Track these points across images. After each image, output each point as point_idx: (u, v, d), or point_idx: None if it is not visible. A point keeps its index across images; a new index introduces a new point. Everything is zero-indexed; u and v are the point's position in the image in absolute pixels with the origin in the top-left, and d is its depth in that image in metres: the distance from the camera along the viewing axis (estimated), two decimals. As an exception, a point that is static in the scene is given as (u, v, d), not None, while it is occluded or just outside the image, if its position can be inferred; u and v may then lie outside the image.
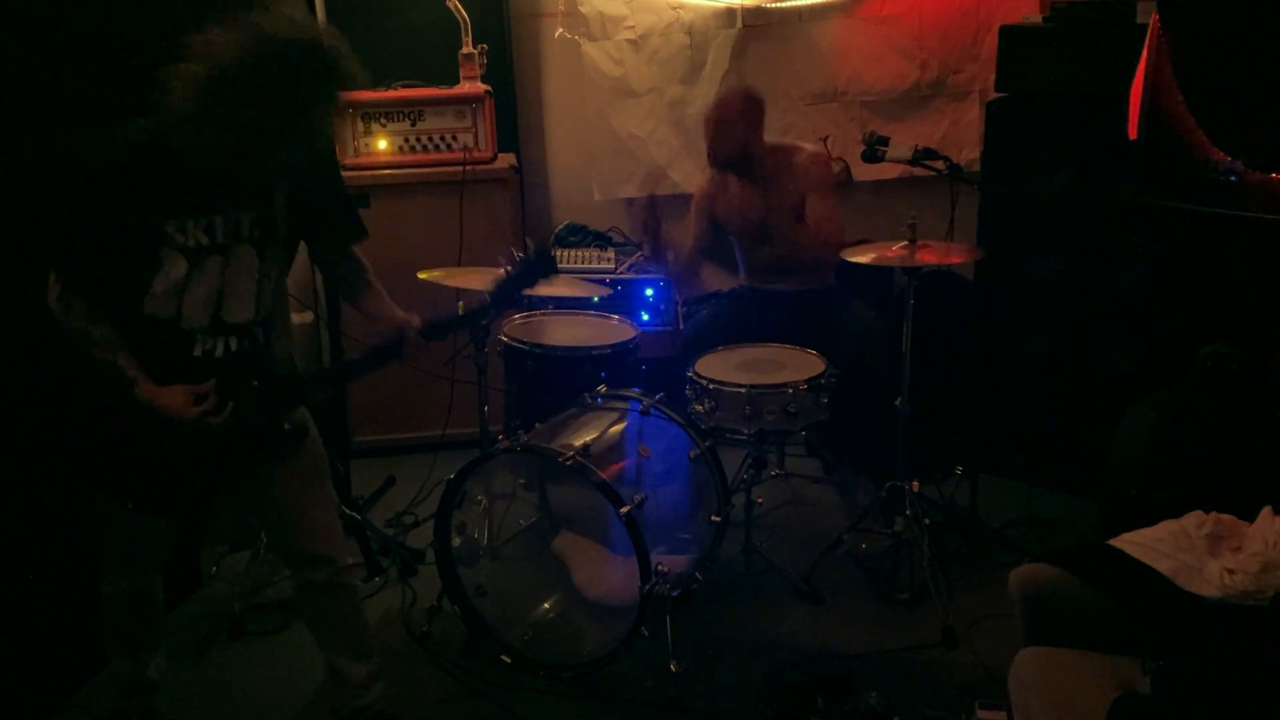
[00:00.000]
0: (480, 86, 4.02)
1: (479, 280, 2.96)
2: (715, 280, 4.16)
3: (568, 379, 3.15)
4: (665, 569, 2.66)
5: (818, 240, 3.45)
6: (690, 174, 4.35)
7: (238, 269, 2.17)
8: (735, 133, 3.49)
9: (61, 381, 2.29)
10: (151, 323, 2.12)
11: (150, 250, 2.08)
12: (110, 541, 2.39)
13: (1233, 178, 2.71)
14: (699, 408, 3.02)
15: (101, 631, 2.51)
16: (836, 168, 3.97)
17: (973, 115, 4.12)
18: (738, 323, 3.58)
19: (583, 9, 4.25)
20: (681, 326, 3.96)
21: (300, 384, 2.35)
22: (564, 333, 3.33)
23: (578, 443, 2.72)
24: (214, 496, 2.30)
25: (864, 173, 3.65)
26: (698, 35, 4.23)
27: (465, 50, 4.03)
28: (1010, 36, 3.51)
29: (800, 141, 3.75)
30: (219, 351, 2.18)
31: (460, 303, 2.30)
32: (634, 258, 4.10)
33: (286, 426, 2.27)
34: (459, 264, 3.86)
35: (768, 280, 3.73)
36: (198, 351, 2.17)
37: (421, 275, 2.97)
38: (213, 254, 2.13)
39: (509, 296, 2.33)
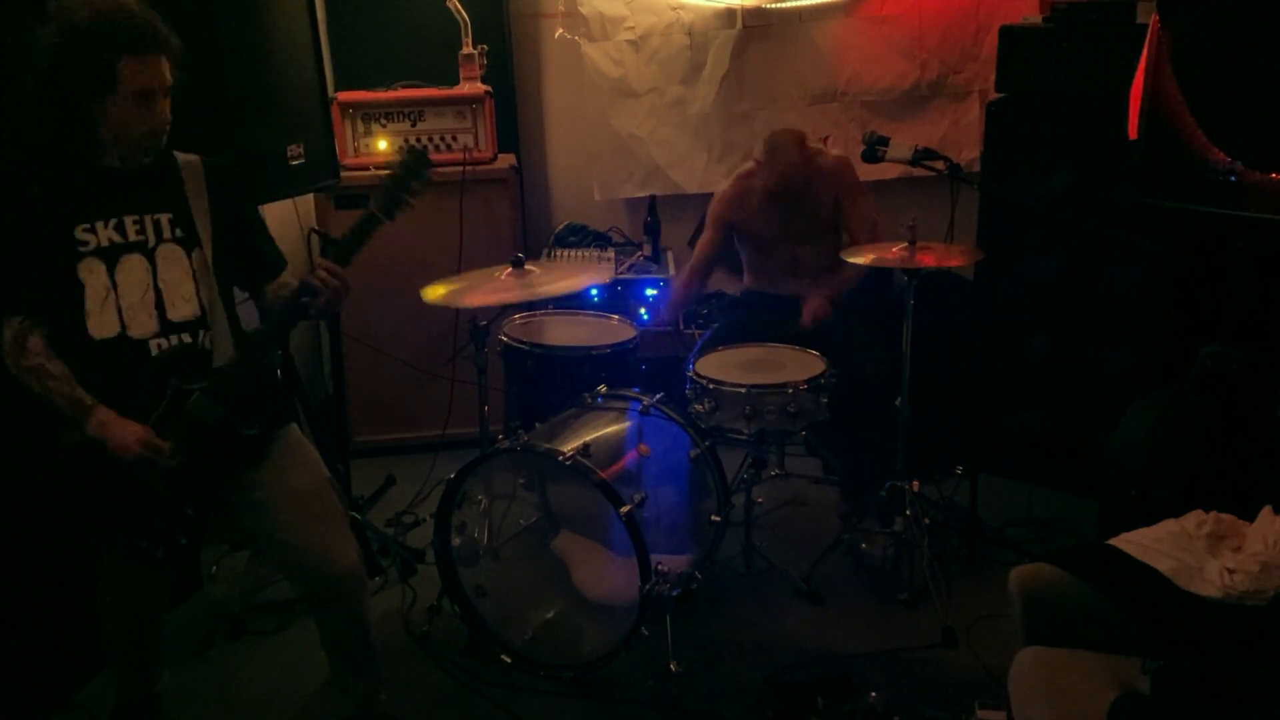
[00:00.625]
0: (480, 87, 4.02)
1: (481, 297, 2.95)
2: (716, 281, 4.16)
3: (568, 379, 3.15)
4: (665, 569, 2.66)
5: (871, 238, 3.41)
6: (690, 174, 4.35)
7: (169, 268, 2.17)
8: (798, 170, 3.45)
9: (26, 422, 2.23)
10: (104, 348, 2.11)
11: (67, 263, 2.08)
12: (104, 588, 2.38)
13: (1233, 178, 2.71)
14: (699, 408, 3.02)
15: (103, 653, 2.51)
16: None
17: (973, 115, 4.12)
18: (743, 331, 3.56)
19: (583, 9, 4.25)
20: (682, 326, 3.95)
21: (244, 377, 2.23)
22: (564, 333, 3.33)
23: (578, 443, 2.72)
24: (207, 533, 2.25)
25: (864, 173, 3.64)
26: (698, 35, 4.23)
27: (465, 50, 4.03)
28: (1010, 36, 3.51)
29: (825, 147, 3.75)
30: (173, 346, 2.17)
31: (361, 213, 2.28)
32: (634, 258, 4.10)
33: (253, 431, 2.24)
34: (459, 264, 3.86)
35: (775, 284, 3.71)
36: (155, 353, 2.16)
37: (428, 298, 2.95)
38: (130, 252, 2.13)
39: (397, 200, 2.28)
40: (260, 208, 3.11)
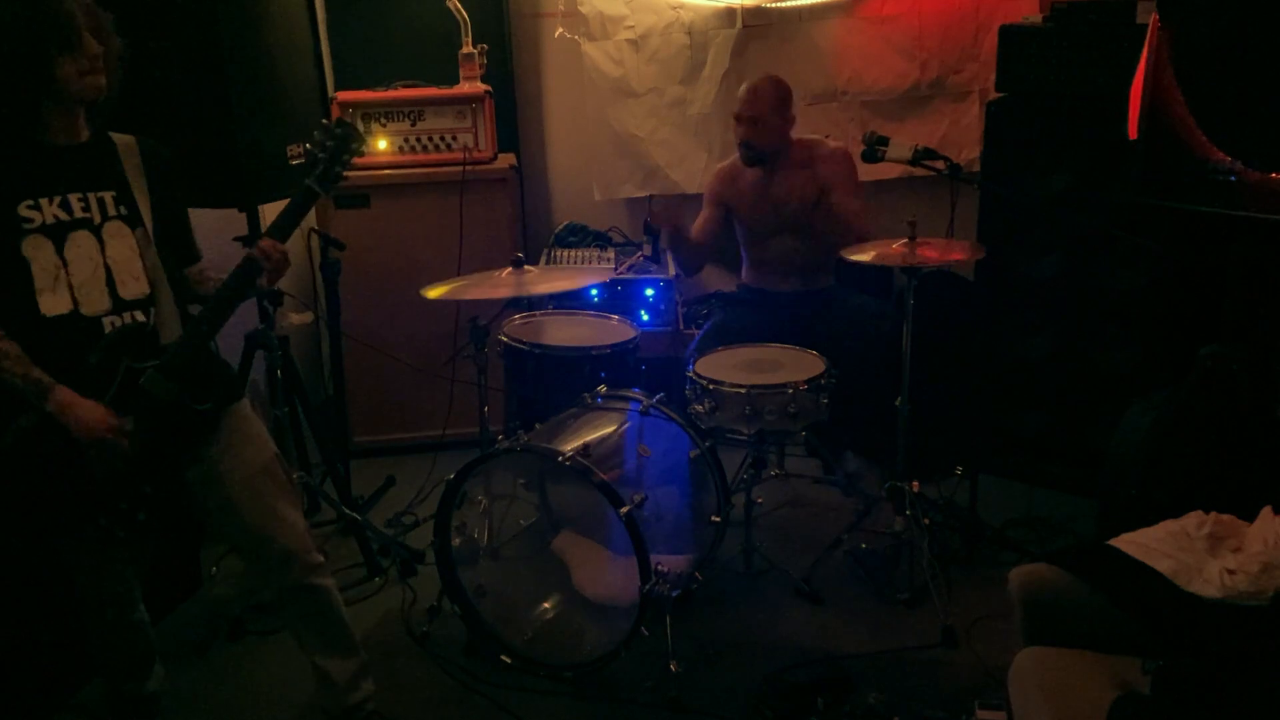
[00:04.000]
0: (480, 86, 4.02)
1: (481, 290, 2.96)
2: (715, 280, 4.16)
3: (568, 379, 3.14)
4: (665, 569, 2.66)
5: (847, 234, 3.40)
6: (690, 174, 4.35)
7: (117, 245, 2.17)
8: (772, 124, 3.50)
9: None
10: (56, 325, 2.10)
11: (10, 240, 2.06)
12: (81, 583, 2.38)
13: (1232, 178, 2.71)
14: (699, 408, 3.02)
15: (93, 659, 2.51)
16: None
17: (973, 115, 4.12)
18: (741, 328, 3.58)
19: (583, 9, 4.25)
20: (682, 326, 3.96)
21: (194, 354, 2.23)
22: (564, 333, 3.33)
23: (578, 443, 2.72)
24: (164, 511, 2.25)
25: (864, 173, 3.64)
26: (698, 35, 4.23)
27: (465, 50, 4.04)
28: (1010, 36, 3.51)
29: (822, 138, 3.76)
30: (126, 324, 2.17)
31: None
32: (634, 258, 4.10)
33: (208, 406, 2.25)
34: (459, 264, 3.87)
35: (769, 280, 3.74)
36: (109, 330, 2.16)
37: (429, 295, 2.95)
38: (77, 229, 2.12)
39: (332, 174, 2.27)
40: (259, 207, 3.17)
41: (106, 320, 2.15)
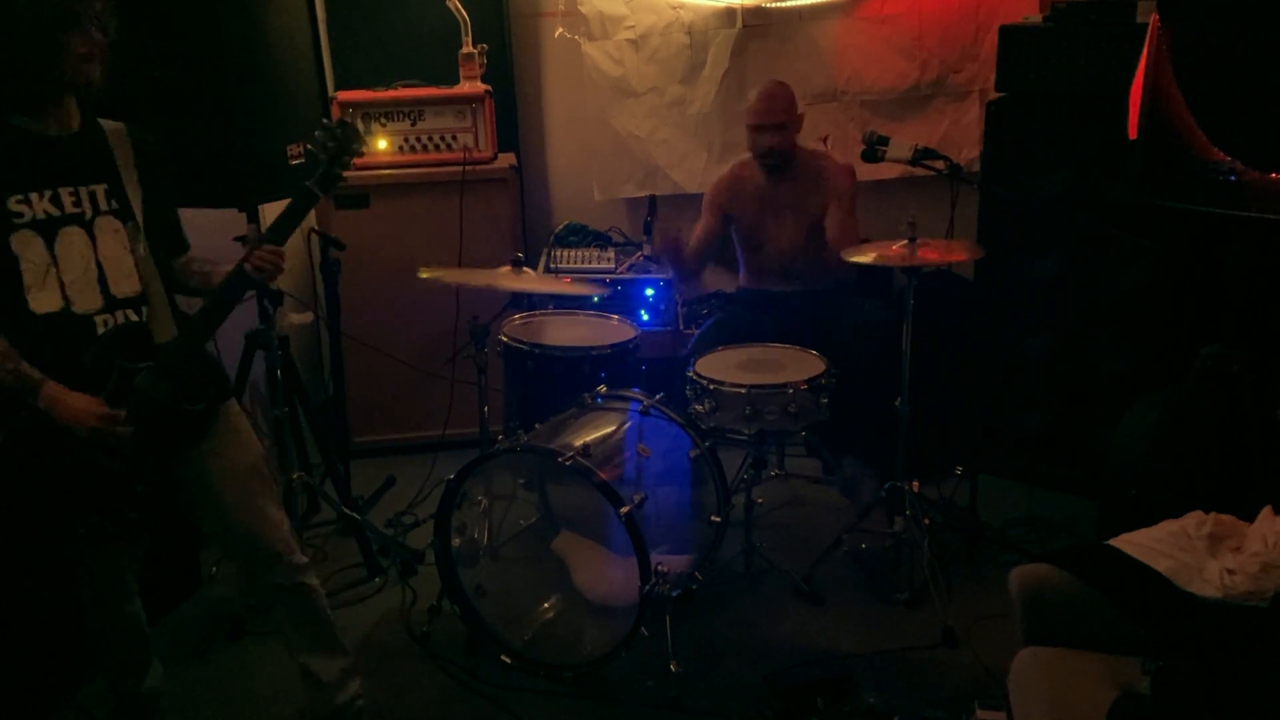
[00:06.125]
0: (480, 86, 4.02)
1: (482, 279, 2.97)
2: (715, 280, 4.16)
3: (568, 379, 3.14)
4: (665, 569, 2.66)
5: (832, 254, 3.39)
6: (690, 174, 4.35)
7: (108, 242, 2.16)
8: (794, 126, 3.52)
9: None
10: (47, 323, 2.09)
11: (0, 236, 2.05)
12: (76, 578, 2.38)
13: (1233, 178, 2.71)
14: (699, 408, 3.02)
15: (91, 656, 2.51)
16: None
17: (973, 115, 4.12)
18: (741, 325, 3.58)
19: (583, 9, 4.25)
20: (682, 326, 3.96)
21: (188, 354, 2.24)
22: (564, 333, 3.33)
23: (578, 443, 2.72)
24: (157, 509, 2.27)
25: (864, 173, 3.64)
26: (698, 35, 4.23)
27: (465, 50, 4.03)
28: (1010, 36, 3.50)
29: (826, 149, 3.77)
30: (119, 324, 2.17)
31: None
32: (634, 258, 4.10)
33: (200, 406, 2.25)
34: (459, 264, 3.87)
35: (767, 281, 3.74)
36: (101, 332, 2.15)
37: (423, 274, 2.97)
38: (68, 224, 2.11)
39: (331, 176, 2.28)
40: (259, 207, 3.16)
41: (99, 319, 2.14)
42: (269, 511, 2.37)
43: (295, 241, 3.94)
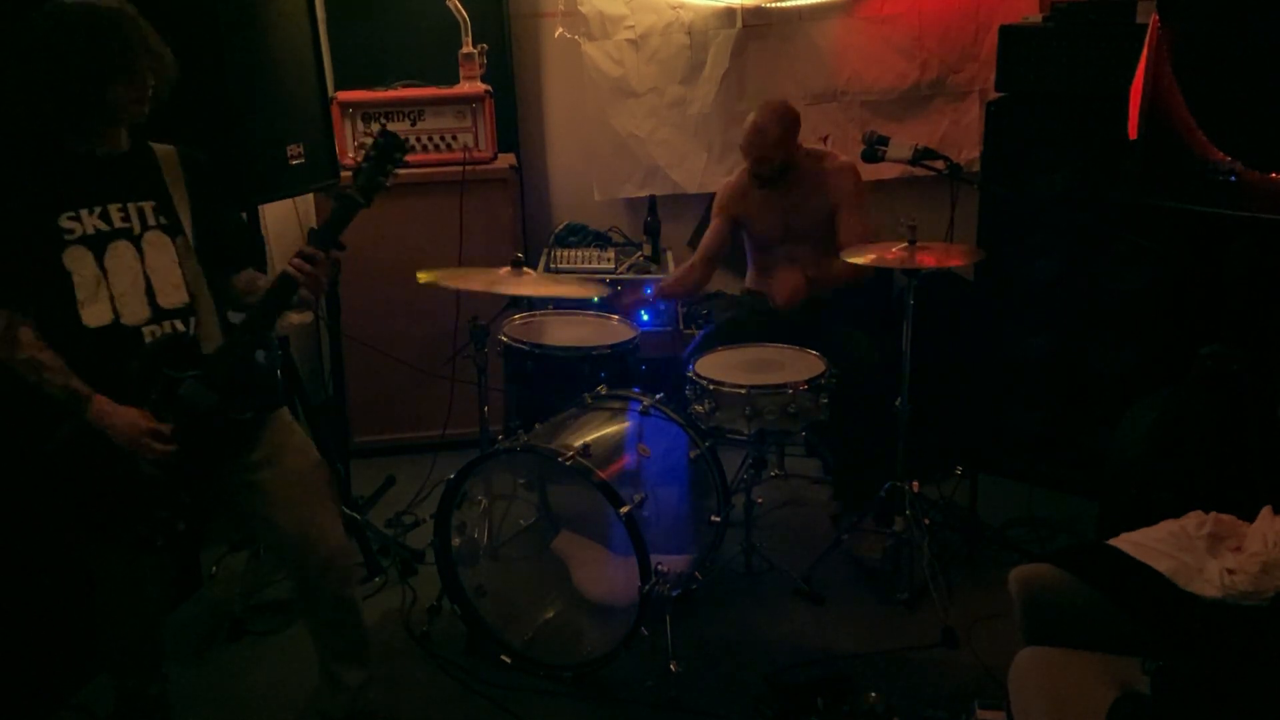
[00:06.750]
0: (480, 86, 4.02)
1: (480, 281, 2.97)
2: (716, 281, 4.16)
3: (568, 379, 3.14)
4: (665, 569, 2.66)
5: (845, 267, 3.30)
6: (690, 174, 4.35)
7: (156, 255, 2.18)
8: (777, 154, 3.44)
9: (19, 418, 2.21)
10: (97, 336, 2.11)
11: (52, 252, 2.08)
12: (106, 590, 2.38)
13: (1233, 178, 2.71)
14: (699, 408, 3.02)
15: (102, 660, 2.51)
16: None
17: (973, 115, 4.12)
18: (743, 325, 3.57)
19: (583, 9, 4.25)
20: (682, 326, 3.95)
21: (234, 363, 2.23)
22: (564, 333, 3.33)
23: (578, 443, 2.72)
24: (206, 519, 2.27)
25: (864, 173, 3.64)
26: (698, 35, 4.23)
27: (465, 50, 4.03)
28: (1010, 36, 3.51)
29: (827, 148, 3.74)
30: (165, 334, 2.18)
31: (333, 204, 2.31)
32: (634, 258, 4.10)
33: (248, 415, 2.26)
34: (459, 264, 3.86)
35: (775, 286, 3.71)
36: (148, 342, 2.16)
37: (421, 278, 2.97)
38: (117, 239, 2.13)
39: (375, 184, 2.28)
40: (260, 208, 3.16)
41: (146, 330, 2.16)
42: (322, 519, 2.36)
43: (296, 241, 3.95)
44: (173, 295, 2.19)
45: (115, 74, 2.05)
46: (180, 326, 2.19)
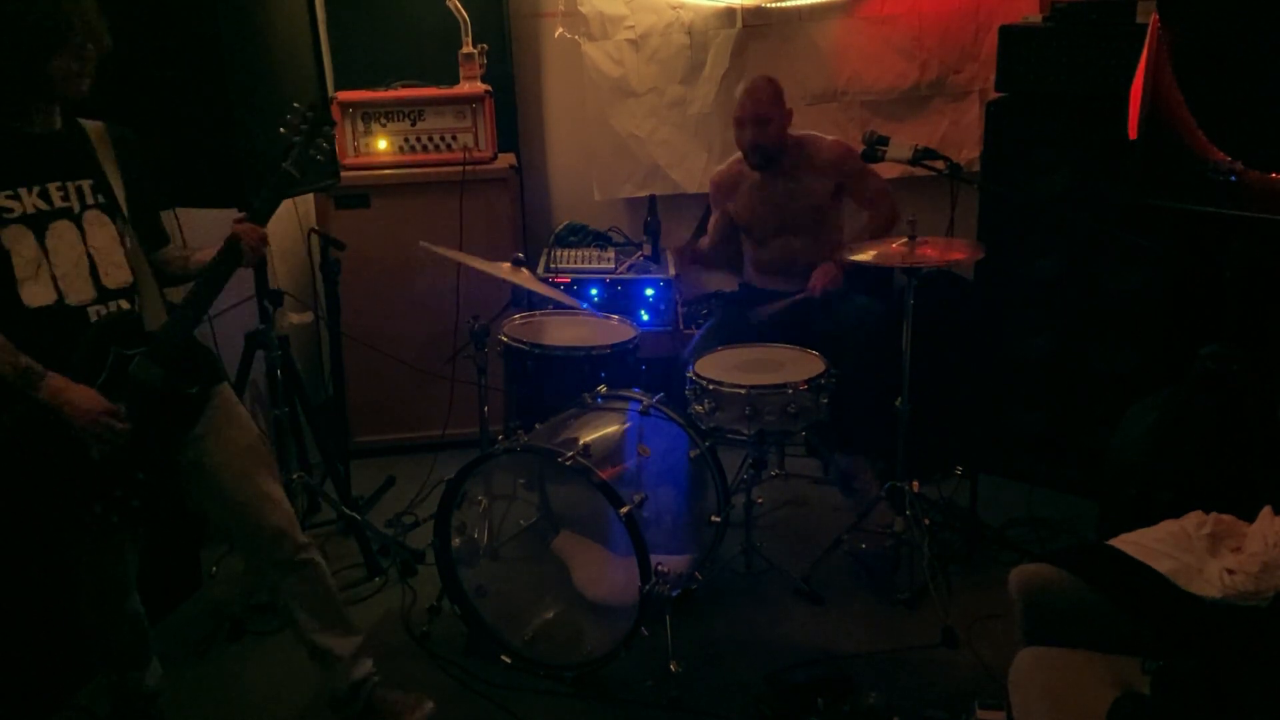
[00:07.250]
0: (480, 86, 4.02)
1: (479, 263, 2.98)
2: (715, 280, 4.16)
3: (568, 379, 3.14)
4: (665, 569, 2.66)
5: (884, 207, 3.61)
6: (690, 174, 4.35)
7: (97, 234, 2.18)
8: (777, 121, 3.51)
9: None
10: (40, 316, 2.11)
11: None
12: (77, 572, 2.39)
13: (1233, 178, 2.71)
14: (699, 408, 3.02)
15: (90, 652, 2.51)
16: None
17: (973, 115, 4.12)
18: (740, 323, 3.58)
19: (583, 9, 4.25)
20: (682, 326, 3.95)
21: (179, 339, 2.26)
22: (564, 333, 3.33)
23: (578, 443, 2.72)
24: (158, 497, 2.28)
25: (864, 172, 3.66)
26: (698, 35, 4.23)
27: (465, 50, 4.03)
28: (1010, 36, 3.50)
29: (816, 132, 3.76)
30: (112, 313, 2.19)
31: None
32: (634, 258, 4.10)
33: (194, 389, 2.28)
34: (459, 264, 3.86)
35: (772, 280, 3.73)
36: (94, 321, 2.17)
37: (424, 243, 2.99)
38: (58, 219, 2.13)
39: (309, 158, 2.32)
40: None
41: (92, 310, 2.16)
42: (269, 489, 2.40)
43: (295, 241, 3.95)
44: (116, 274, 2.20)
45: (52, 44, 2.04)
46: (126, 305, 2.20)
